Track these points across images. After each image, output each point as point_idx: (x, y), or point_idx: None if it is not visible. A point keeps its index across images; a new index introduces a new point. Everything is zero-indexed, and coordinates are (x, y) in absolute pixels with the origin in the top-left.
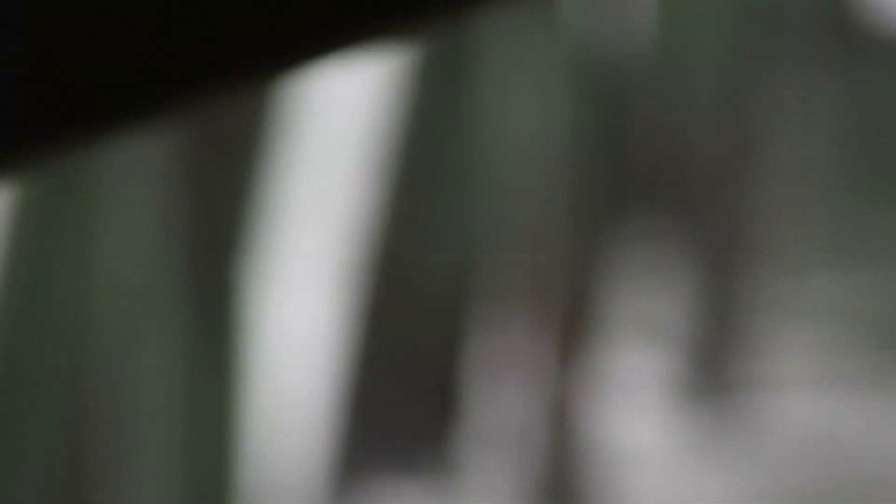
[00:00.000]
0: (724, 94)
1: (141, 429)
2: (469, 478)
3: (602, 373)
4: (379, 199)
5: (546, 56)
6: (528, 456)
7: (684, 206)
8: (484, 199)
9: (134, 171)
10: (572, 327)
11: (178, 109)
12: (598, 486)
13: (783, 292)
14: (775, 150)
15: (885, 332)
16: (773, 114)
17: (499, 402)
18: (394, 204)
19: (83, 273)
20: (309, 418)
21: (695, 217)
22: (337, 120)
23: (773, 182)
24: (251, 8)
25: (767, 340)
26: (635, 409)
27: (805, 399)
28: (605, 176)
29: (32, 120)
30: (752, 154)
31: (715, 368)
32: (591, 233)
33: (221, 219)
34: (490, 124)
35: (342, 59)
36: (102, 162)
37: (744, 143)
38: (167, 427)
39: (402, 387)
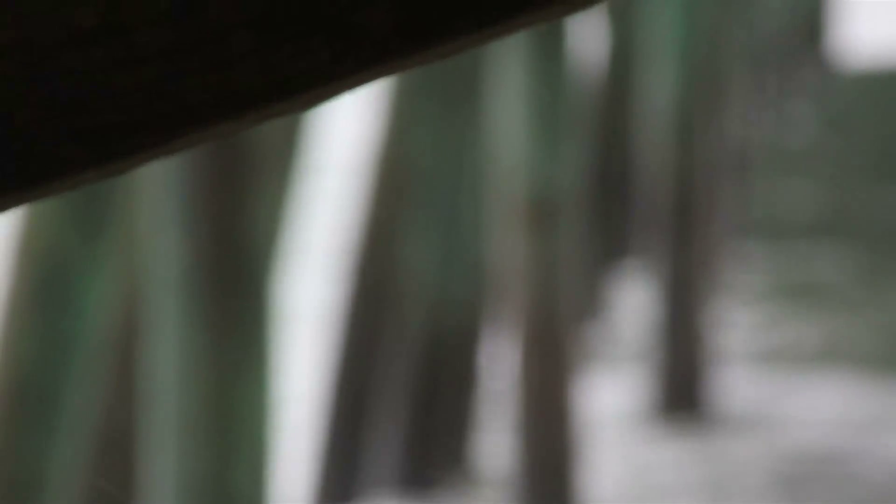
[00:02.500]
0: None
1: (166, 410)
2: (469, 474)
3: (586, 382)
4: (379, 214)
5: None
6: (521, 453)
7: (651, 231)
8: (481, 216)
9: (156, 168)
10: (559, 344)
11: (187, 145)
12: (582, 480)
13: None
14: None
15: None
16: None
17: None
18: (393, 219)
19: (115, 268)
20: (310, 412)
21: (658, 241)
22: (342, 138)
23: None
24: (258, 48)
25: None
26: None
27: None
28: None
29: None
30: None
31: (680, 381)
32: (573, 254)
33: (239, 223)
34: (485, 147)
35: (350, 93)
36: None
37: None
38: (190, 408)
39: (396, 395)
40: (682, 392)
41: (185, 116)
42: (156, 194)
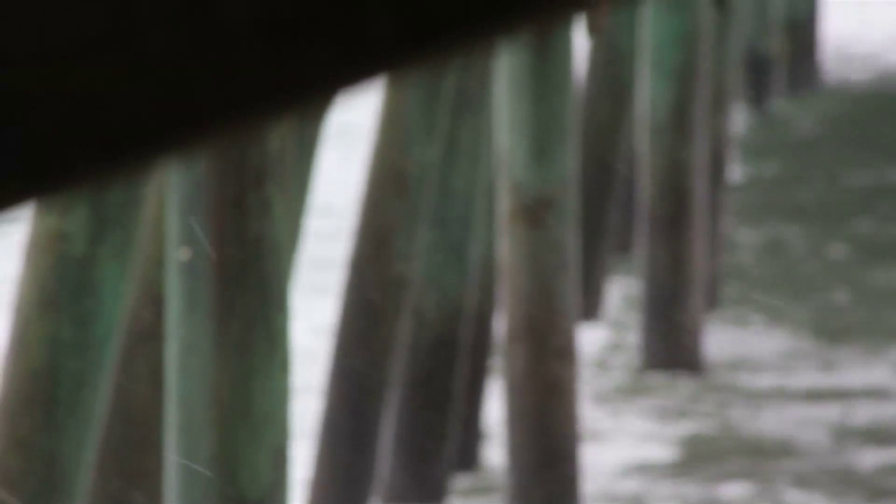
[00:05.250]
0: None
1: (185, 397)
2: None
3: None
4: (382, 213)
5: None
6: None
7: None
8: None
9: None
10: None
11: (198, 146)
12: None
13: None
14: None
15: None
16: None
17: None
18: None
19: (133, 260)
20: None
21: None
22: (346, 138)
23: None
24: (266, 51)
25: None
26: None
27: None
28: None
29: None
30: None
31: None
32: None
33: (251, 218)
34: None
35: (355, 92)
36: None
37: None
38: (200, 390)
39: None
40: (672, 360)
41: (194, 118)
42: (170, 189)
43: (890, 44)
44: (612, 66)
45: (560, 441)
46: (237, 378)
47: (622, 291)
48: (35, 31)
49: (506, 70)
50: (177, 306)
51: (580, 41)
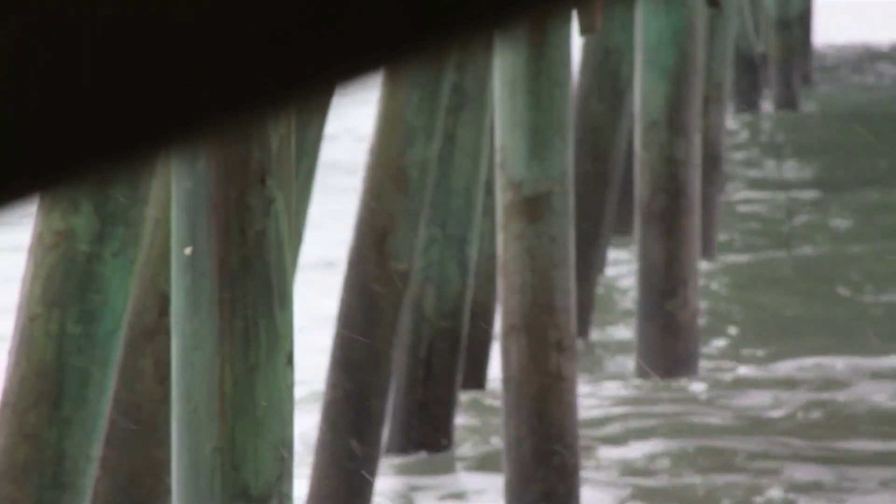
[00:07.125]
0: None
1: (182, 386)
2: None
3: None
4: (381, 207)
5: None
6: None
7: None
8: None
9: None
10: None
11: (197, 143)
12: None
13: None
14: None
15: None
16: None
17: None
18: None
19: (137, 256)
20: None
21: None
22: (346, 135)
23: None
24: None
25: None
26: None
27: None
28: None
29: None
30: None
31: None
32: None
33: (253, 214)
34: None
35: (353, 91)
36: None
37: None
38: (204, 384)
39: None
40: (666, 363)
41: (196, 116)
42: (174, 187)
43: (882, 40)
44: (608, 63)
45: (559, 433)
46: (241, 373)
47: (620, 284)
48: (39, 32)
49: (503, 67)
50: (181, 302)
51: (575, 38)
